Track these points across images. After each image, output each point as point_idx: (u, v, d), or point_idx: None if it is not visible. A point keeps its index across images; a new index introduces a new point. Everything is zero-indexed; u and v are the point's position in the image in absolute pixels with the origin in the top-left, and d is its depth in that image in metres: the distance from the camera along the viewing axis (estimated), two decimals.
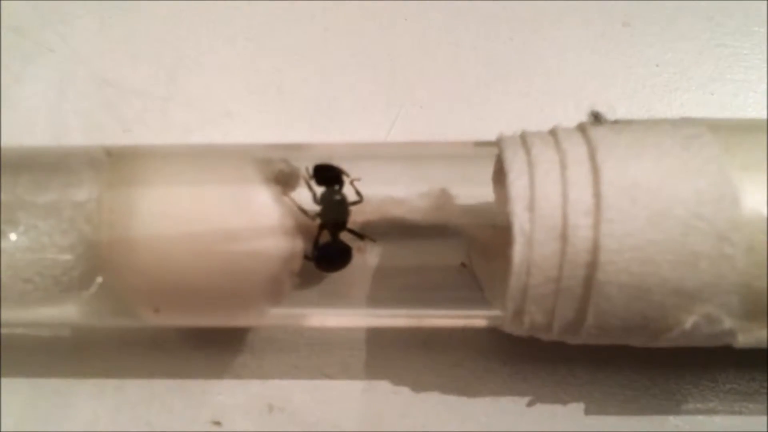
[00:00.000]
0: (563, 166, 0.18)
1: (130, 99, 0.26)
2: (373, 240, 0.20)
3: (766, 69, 0.25)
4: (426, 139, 0.24)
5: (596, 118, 0.20)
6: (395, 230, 0.20)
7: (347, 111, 0.26)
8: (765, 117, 0.24)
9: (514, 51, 0.26)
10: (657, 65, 0.26)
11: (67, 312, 0.20)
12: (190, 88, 0.26)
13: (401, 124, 0.25)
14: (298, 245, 0.19)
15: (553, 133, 0.19)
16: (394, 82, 0.26)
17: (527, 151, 0.19)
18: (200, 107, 0.26)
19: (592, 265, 0.17)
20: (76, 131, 0.25)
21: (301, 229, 0.20)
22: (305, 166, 0.20)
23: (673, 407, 0.22)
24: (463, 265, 0.21)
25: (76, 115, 0.26)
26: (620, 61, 0.26)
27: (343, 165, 0.20)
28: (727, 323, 0.18)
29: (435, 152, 0.22)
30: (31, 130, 0.25)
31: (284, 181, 0.20)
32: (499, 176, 0.19)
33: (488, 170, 0.20)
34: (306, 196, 0.20)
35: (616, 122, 0.19)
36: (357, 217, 0.20)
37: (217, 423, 0.22)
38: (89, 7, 0.27)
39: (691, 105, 0.25)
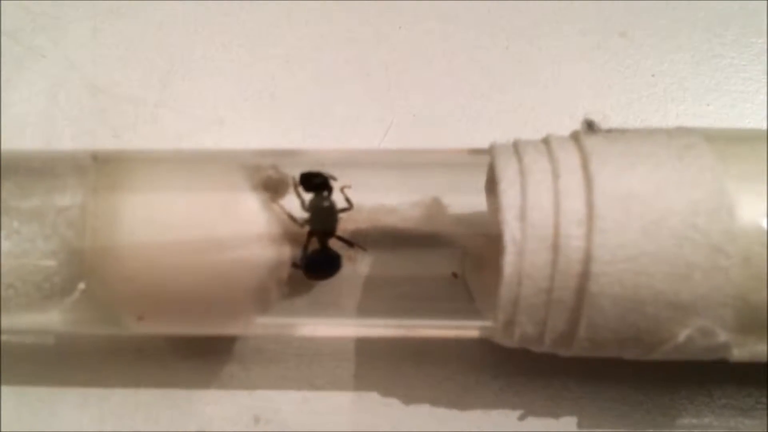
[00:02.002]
0: (556, 175, 0.18)
1: (122, 105, 0.26)
2: (364, 249, 0.20)
3: (764, 80, 0.25)
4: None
5: (590, 126, 0.19)
6: (386, 239, 0.20)
7: (341, 119, 0.25)
8: (762, 128, 0.24)
9: (510, 60, 0.26)
10: (653, 76, 0.25)
11: (49, 319, 0.19)
12: (183, 94, 0.26)
13: (394, 133, 0.25)
14: (286, 253, 0.19)
15: (546, 141, 0.19)
16: (389, 91, 0.26)
17: (519, 159, 0.18)
18: (192, 114, 0.26)
19: (585, 276, 0.17)
20: (67, 137, 0.25)
21: (290, 237, 0.19)
22: (293, 173, 0.20)
23: (668, 423, 0.21)
24: (454, 275, 0.20)
25: (67, 120, 0.25)
26: (616, 71, 0.26)
27: (334, 172, 0.20)
28: (722, 336, 0.17)
29: (427, 160, 0.22)
30: (21, 135, 0.25)
31: (273, 187, 0.19)
32: (492, 185, 0.19)
33: (481, 179, 0.20)
34: (296, 203, 0.20)
35: (610, 131, 0.19)
36: (348, 225, 0.20)
37: None
38: (82, 13, 0.27)
39: (687, 116, 0.25)
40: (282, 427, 0.22)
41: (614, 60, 0.26)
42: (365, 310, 0.20)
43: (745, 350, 0.18)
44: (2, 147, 0.24)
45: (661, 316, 0.17)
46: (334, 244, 0.20)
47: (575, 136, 0.19)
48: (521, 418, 0.21)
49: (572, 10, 0.26)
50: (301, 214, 0.19)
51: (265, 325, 0.20)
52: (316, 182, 0.19)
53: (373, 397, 0.22)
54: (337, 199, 0.20)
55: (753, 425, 0.21)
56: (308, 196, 0.19)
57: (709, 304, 0.17)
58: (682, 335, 0.17)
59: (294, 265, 0.19)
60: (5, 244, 0.19)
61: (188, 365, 0.22)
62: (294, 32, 0.27)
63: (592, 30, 0.26)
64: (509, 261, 0.17)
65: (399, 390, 0.22)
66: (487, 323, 0.19)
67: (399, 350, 0.22)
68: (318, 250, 0.19)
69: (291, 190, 0.20)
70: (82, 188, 0.19)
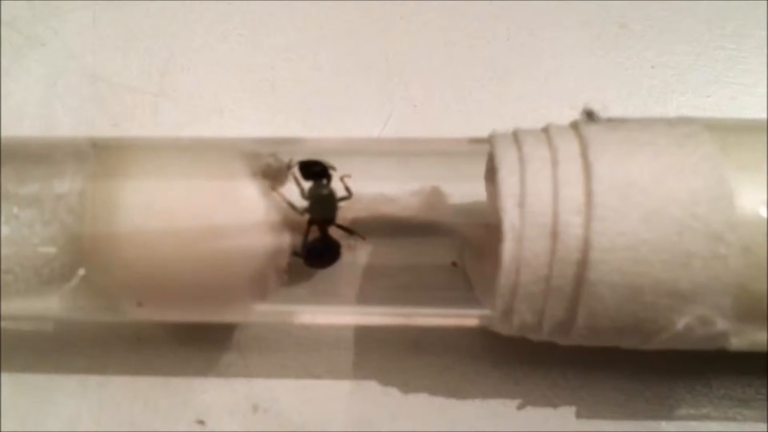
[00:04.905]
0: (555, 163, 0.18)
1: (121, 94, 0.26)
2: (363, 237, 0.20)
3: (764, 72, 0.25)
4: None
5: (590, 115, 0.19)
6: (386, 228, 0.20)
7: (341, 110, 0.25)
8: (763, 119, 0.24)
9: (510, 51, 0.26)
10: (653, 67, 0.25)
11: (48, 305, 0.19)
12: (182, 84, 0.26)
13: (394, 123, 0.25)
14: (286, 241, 0.19)
15: (545, 130, 0.19)
16: (389, 81, 0.26)
17: (519, 147, 0.18)
18: (192, 104, 0.26)
19: (583, 264, 0.17)
20: (66, 126, 0.25)
21: (290, 225, 0.19)
22: (290, 158, 0.20)
23: (666, 412, 0.21)
24: (454, 264, 0.20)
25: (66, 109, 0.25)
26: (617, 62, 0.26)
27: (334, 161, 0.20)
28: (721, 325, 0.17)
29: (427, 149, 0.22)
30: (20, 123, 0.25)
31: (273, 175, 0.19)
32: (491, 174, 0.19)
33: (481, 168, 0.20)
34: (296, 191, 0.20)
35: (609, 120, 0.19)
36: (347, 213, 0.20)
37: (201, 422, 0.21)
38: (81, 2, 0.27)
39: (687, 107, 0.25)
40: (280, 416, 0.22)
41: (614, 51, 0.26)
42: (364, 298, 0.20)
43: (744, 339, 0.18)
44: (1, 135, 0.24)
45: (660, 304, 0.17)
46: (334, 232, 0.20)
47: (575, 125, 0.19)
48: (520, 407, 0.21)
49: (572, 1, 0.26)
50: (301, 202, 0.19)
51: (264, 312, 0.20)
52: (315, 170, 0.19)
53: (371, 386, 0.22)
54: (337, 188, 0.20)
55: (752, 415, 0.21)
56: (308, 184, 0.19)
57: (708, 292, 0.17)
58: (681, 324, 0.17)
59: (294, 253, 0.19)
60: (5, 230, 0.19)
61: (187, 353, 0.22)
62: (294, 22, 0.27)
63: (593, 21, 0.26)
64: (508, 248, 0.17)
65: (398, 379, 0.22)
66: (486, 312, 0.19)
67: (398, 339, 0.22)
68: (318, 239, 0.19)
69: (290, 177, 0.20)
70: (81, 174, 0.19)
